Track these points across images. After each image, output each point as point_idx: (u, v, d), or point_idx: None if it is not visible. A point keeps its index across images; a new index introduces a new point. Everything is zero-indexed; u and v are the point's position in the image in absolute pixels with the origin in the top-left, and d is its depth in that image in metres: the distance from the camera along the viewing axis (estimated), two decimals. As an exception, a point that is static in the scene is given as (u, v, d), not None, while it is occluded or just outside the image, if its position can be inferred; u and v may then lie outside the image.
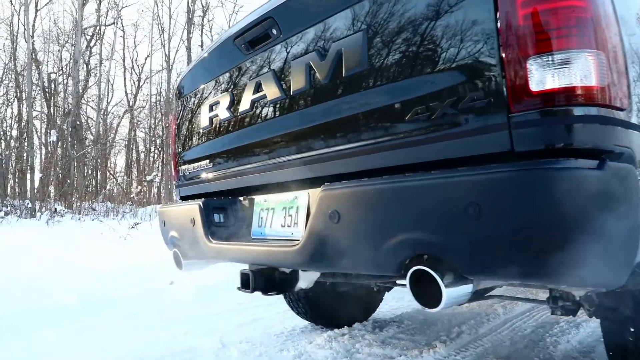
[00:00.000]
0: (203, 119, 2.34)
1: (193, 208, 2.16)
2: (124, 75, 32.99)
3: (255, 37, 1.94)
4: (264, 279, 1.88)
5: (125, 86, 35.59)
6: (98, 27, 22.88)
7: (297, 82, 1.73)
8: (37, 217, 11.15)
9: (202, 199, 2.18)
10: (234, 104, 2.10)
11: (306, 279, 1.95)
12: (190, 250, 2.22)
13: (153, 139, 24.84)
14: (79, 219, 11.28)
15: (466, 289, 1.25)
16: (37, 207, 12.12)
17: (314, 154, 1.66)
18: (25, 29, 17.05)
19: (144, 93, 34.43)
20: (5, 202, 12.58)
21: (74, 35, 19.93)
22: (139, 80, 26.14)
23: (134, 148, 25.11)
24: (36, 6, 21.02)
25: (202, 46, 24.39)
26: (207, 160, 2.32)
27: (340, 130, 1.56)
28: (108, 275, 4.84)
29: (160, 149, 24.64)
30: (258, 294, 1.99)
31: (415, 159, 1.35)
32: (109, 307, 3.79)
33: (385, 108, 1.43)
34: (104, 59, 23.46)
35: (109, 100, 24.80)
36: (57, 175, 15.51)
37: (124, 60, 28.06)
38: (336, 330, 3.14)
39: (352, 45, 1.53)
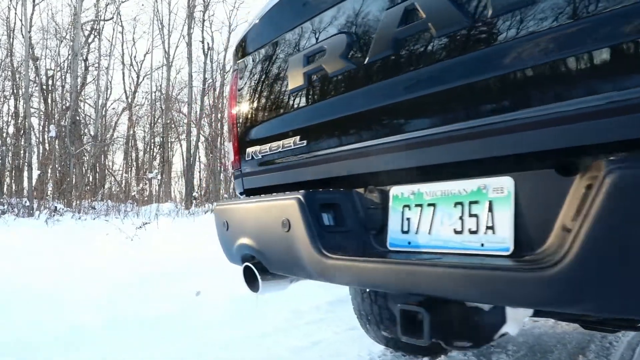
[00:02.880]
0: (293, 77, 1.63)
1: (288, 205, 1.46)
2: (123, 72, 32.00)
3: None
4: (443, 320, 1.13)
5: (124, 83, 34.69)
6: (97, 23, 22.07)
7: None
8: (35, 216, 10.40)
9: (301, 191, 1.48)
10: (353, 48, 1.40)
11: (515, 321, 1.20)
12: (280, 266, 1.52)
13: (152, 137, 24.11)
14: (80, 218, 10.53)
15: None
16: (35, 206, 11.36)
17: (543, 113, 0.97)
18: (22, 24, 16.29)
19: (143, 90, 33.61)
20: (1, 200, 11.81)
21: (72, 29, 19.16)
22: (138, 77, 25.39)
23: (133, 146, 24.36)
24: (34, 0, 20.22)
25: (202, 42, 23.59)
26: (298, 137, 1.63)
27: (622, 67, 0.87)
28: (125, 284, 4.13)
29: (160, 146, 23.91)
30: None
31: None
32: (134, 328, 3.08)
33: None
34: (103, 55, 22.65)
35: (107, 97, 24.03)
36: (56, 173, 14.73)
37: (122, 57, 27.18)
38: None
39: None
